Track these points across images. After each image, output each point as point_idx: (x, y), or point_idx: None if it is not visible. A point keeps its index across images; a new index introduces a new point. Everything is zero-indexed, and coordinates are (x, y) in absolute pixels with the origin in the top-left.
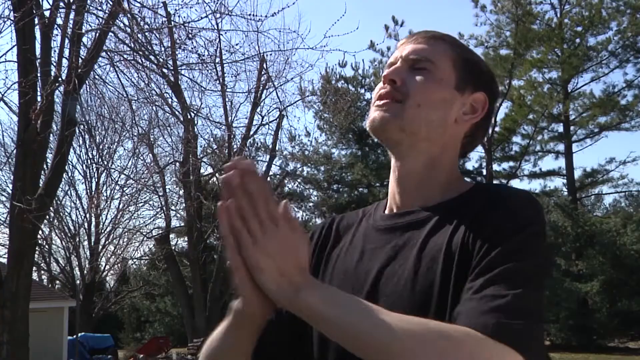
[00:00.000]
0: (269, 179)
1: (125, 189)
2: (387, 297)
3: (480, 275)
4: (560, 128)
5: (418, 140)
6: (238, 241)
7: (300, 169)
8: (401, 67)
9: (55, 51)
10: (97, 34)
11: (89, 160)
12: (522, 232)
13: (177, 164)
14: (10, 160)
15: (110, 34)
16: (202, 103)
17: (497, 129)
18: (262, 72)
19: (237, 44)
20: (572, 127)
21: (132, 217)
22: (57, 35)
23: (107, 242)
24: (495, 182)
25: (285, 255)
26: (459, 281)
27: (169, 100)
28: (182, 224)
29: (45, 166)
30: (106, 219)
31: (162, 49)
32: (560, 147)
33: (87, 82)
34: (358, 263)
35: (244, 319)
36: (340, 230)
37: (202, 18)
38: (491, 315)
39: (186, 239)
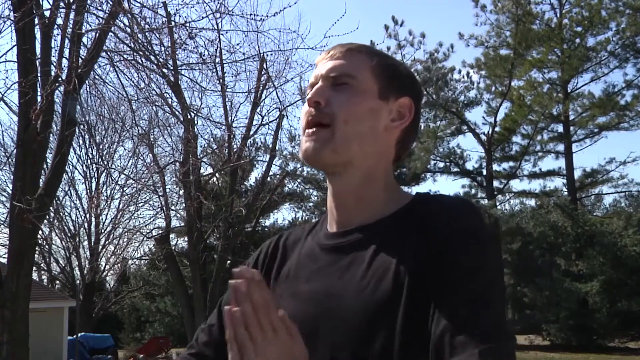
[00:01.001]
0: (269, 179)
1: (125, 189)
2: (334, 318)
3: (445, 301)
4: (560, 128)
5: (352, 157)
6: (240, 349)
7: (300, 169)
8: (323, 86)
9: (55, 51)
10: (97, 34)
11: (89, 160)
12: (473, 243)
13: (177, 164)
14: (10, 160)
15: (110, 34)
16: (202, 103)
17: (497, 129)
18: (262, 72)
19: (237, 44)
20: (572, 127)
21: (132, 217)
22: (57, 35)
23: (107, 242)
24: (433, 192)
25: (283, 359)
26: (410, 301)
27: (169, 100)
28: (182, 224)
29: (45, 166)
30: (106, 219)
31: (162, 49)
32: (560, 147)
33: (87, 82)
34: (305, 284)
35: None
36: (287, 248)
37: (202, 18)
38: (479, 344)
39: (186, 239)
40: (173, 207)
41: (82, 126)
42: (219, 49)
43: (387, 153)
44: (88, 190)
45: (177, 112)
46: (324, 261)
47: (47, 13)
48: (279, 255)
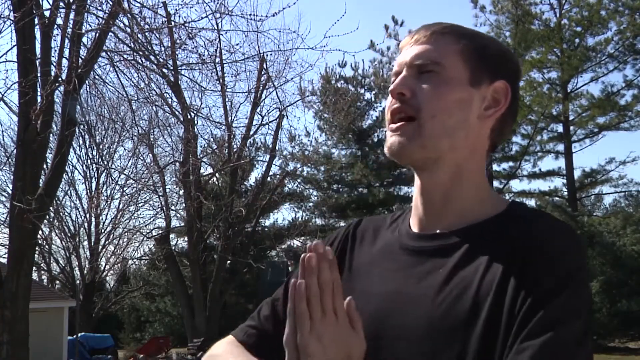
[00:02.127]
0: (269, 179)
1: (125, 189)
2: (402, 325)
3: (528, 338)
4: (559, 128)
5: (442, 152)
6: (297, 324)
7: (300, 169)
8: (407, 75)
9: (55, 51)
10: (97, 34)
11: (89, 160)
12: (568, 287)
13: (177, 164)
14: (10, 160)
15: (110, 34)
16: (202, 103)
17: None
18: (262, 72)
19: (237, 44)
20: (571, 127)
21: (132, 217)
22: (57, 35)
23: (107, 242)
24: (530, 205)
25: (337, 346)
26: (488, 325)
27: (169, 100)
28: (182, 224)
29: (45, 166)
30: (106, 219)
31: (162, 49)
32: (560, 147)
33: (87, 82)
34: (379, 283)
35: None
36: (364, 237)
37: (202, 18)
38: None
39: (186, 239)
40: (173, 207)
41: (82, 126)
42: (218, 49)
43: (480, 145)
44: (88, 190)
45: (177, 112)
46: (402, 263)
47: (47, 13)
48: (354, 243)
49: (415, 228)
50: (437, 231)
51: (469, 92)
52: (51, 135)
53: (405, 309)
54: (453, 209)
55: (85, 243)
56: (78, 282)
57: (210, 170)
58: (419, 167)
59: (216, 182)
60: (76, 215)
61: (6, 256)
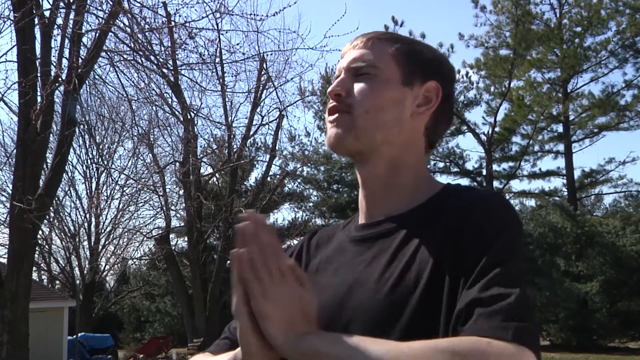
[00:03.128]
0: (269, 179)
1: (125, 189)
2: (356, 306)
3: (475, 281)
4: (559, 128)
5: (376, 145)
6: (247, 290)
7: (300, 169)
8: (345, 77)
9: (55, 51)
10: (97, 34)
11: (89, 160)
12: (503, 233)
13: (177, 164)
14: (10, 160)
15: (110, 34)
16: (202, 103)
17: (496, 129)
18: (262, 72)
19: (237, 44)
20: (571, 127)
21: (132, 217)
22: (57, 35)
23: (107, 242)
24: (462, 184)
25: (292, 306)
26: (432, 290)
27: (169, 100)
28: (182, 224)
29: (45, 166)
30: (106, 219)
31: (162, 49)
32: (560, 147)
33: (87, 82)
34: (332, 276)
35: None
36: (314, 246)
37: (202, 18)
38: (505, 321)
39: (186, 239)
40: (173, 207)
41: (82, 126)
42: (219, 49)
43: (415, 141)
44: (88, 190)
45: (177, 112)
46: (351, 253)
47: (47, 13)
48: (309, 251)
49: (361, 222)
50: (379, 219)
51: (402, 91)
52: (51, 135)
53: (355, 293)
54: (392, 198)
55: (85, 243)
56: (78, 282)
57: (210, 170)
58: (357, 160)
59: (216, 182)
60: (76, 215)
61: (6, 256)
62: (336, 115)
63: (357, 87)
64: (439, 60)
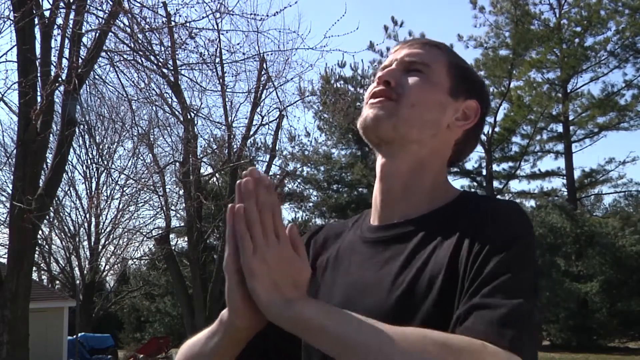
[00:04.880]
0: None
1: (125, 189)
2: (367, 310)
3: (479, 287)
4: (559, 128)
5: (409, 141)
6: (239, 246)
7: (300, 169)
8: (396, 69)
9: (55, 51)
10: (97, 34)
11: (89, 160)
12: (515, 245)
13: (177, 164)
14: (10, 160)
15: (110, 34)
16: (202, 103)
17: (496, 129)
18: (262, 72)
19: (237, 44)
20: (571, 127)
21: (132, 217)
22: (57, 35)
23: (107, 242)
24: (481, 192)
25: (283, 268)
26: (444, 297)
27: (169, 100)
28: (182, 224)
29: (45, 166)
30: (106, 219)
31: (162, 49)
32: (560, 147)
33: (87, 82)
34: (343, 276)
35: (230, 328)
36: (321, 242)
37: (202, 18)
38: (502, 327)
39: (186, 239)
40: (173, 207)
41: (82, 126)
42: (219, 49)
43: (444, 150)
44: (88, 190)
45: (177, 112)
46: (364, 254)
47: (47, 13)
48: (316, 247)
49: (374, 222)
50: (395, 221)
51: (447, 99)
52: (51, 135)
53: (367, 296)
54: (410, 200)
55: (85, 243)
56: (78, 282)
57: (210, 170)
58: (383, 151)
59: (216, 182)
60: (76, 215)
61: (6, 256)
62: (381, 98)
63: (408, 79)
64: (482, 84)
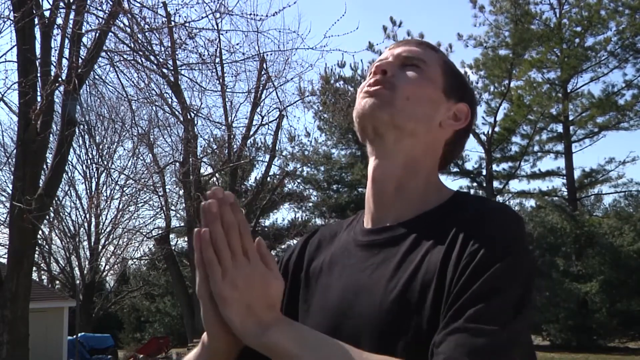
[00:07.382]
0: (268, 179)
1: (125, 189)
2: (361, 314)
3: (462, 308)
4: (559, 128)
5: (404, 134)
6: (208, 272)
7: (300, 169)
8: (393, 61)
9: (55, 51)
10: (97, 34)
11: (89, 160)
12: (505, 256)
13: (177, 164)
14: (10, 160)
15: (110, 34)
16: (202, 103)
17: (496, 129)
18: (262, 72)
19: (237, 44)
20: (571, 127)
21: (132, 217)
22: (57, 35)
23: (107, 242)
24: (474, 193)
25: (254, 291)
26: (435, 303)
27: (169, 100)
28: (182, 224)
29: (45, 166)
30: (106, 219)
31: (162, 49)
32: (560, 147)
33: (87, 82)
34: (337, 279)
35: (211, 352)
36: (315, 245)
37: (202, 18)
38: (478, 357)
39: (186, 239)
40: (173, 207)
41: (82, 126)
42: (218, 49)
43: (435, 148)
44: (88, 190)
45: (177, 112)
46: (357, 258)
47: (47, 13)
48: (312, 250)
49: (367, 225)
50: (387, 224)
51: (441, 97)
52: (51, 135)
53: (361, 300)
54: (403, 201)
55: (85, 243)
56: (78, 282)
57: (210, 170)
58: (376, 147)
59: (216, 182)
60: (76, 215)
61: (6, 256)
62: (378, 87)
63: (404, 73)
64: (473, 94)
